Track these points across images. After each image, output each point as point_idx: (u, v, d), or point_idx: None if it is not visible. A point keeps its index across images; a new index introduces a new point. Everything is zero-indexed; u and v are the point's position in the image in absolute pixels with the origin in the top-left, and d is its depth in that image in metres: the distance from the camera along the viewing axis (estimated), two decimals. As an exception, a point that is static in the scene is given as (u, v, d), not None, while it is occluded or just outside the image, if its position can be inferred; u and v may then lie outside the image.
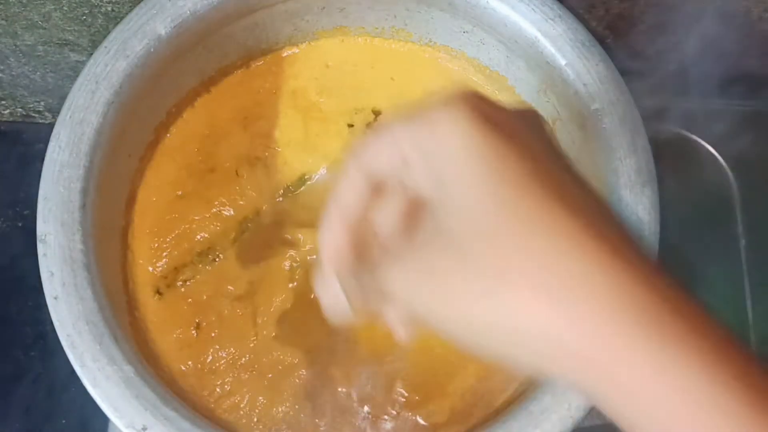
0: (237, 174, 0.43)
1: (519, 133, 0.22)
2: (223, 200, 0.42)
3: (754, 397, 0.19)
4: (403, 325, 0.25)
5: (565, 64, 0.39)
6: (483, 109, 0.22)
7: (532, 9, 0.39)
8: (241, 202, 0.42)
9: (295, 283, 0.41)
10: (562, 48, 0.39)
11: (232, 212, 0.42)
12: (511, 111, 0.23)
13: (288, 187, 0.43)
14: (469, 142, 0.21)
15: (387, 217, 0.25)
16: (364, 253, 0.25)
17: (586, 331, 0.20)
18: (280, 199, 0.42)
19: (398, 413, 0.39)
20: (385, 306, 0.25)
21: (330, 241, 0.25)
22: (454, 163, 0.21)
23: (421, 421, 0.39)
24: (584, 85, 0.38)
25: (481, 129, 0.21)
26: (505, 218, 0.21)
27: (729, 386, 0.19)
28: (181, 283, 0.40)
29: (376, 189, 0.24)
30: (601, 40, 0.39)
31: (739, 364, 0.19)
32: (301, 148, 0.43)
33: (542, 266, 0.20)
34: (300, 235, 0.41)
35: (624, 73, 0.39)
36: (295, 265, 0.41)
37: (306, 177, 0.43)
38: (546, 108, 0.43)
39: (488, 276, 0.21)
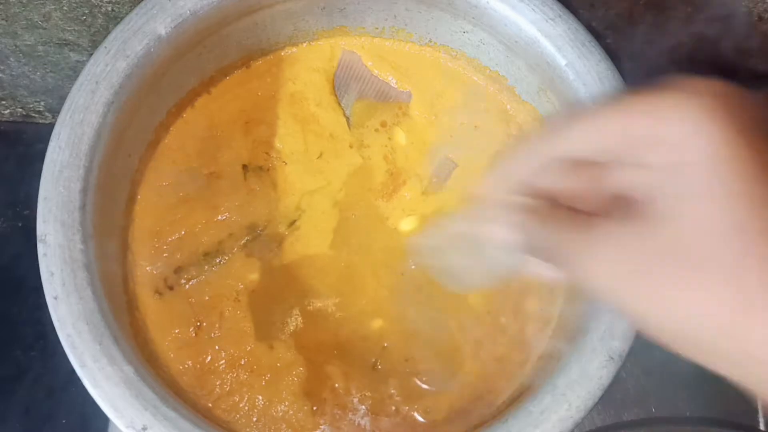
0: (245, 183, 0.43)
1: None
2: (230, 206, 0.42)
3: None
4: (552, 272, 0.25)
5: (565, 64, 0.39)
6: (728, 106, 0.21)
7: (532, 9, 0.39)
8: (250, 211, 0.42)
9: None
10: (562, 48, 0.39)
11: (239, 219, 0.42)
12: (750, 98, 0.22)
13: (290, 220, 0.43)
14: (719, 138, 0.20)
15: (589, 191, 0.24)
16: (548, 210, 0.25)
17: None
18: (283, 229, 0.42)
19: (397, 409, 0.39)
20: (550, 267, 0.25)
21: (513, 173, 0.25)
22: (692, 157, 0.21)
23: (420, 418, 0.39)
24: (584, 85, 0.38)
25: (730, 132, 0.20)
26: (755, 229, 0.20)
27: None
28: (184, 281, 0.40)
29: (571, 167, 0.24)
30: (601, 40, 0.39)
31: None
32: (303, 167, 0.43)
33: None
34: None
35: (624, 73, 0.39)
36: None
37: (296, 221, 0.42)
38: (546, 108, 0.43)
39: (719, 280, 0.20)
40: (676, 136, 0.21)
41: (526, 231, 0.25)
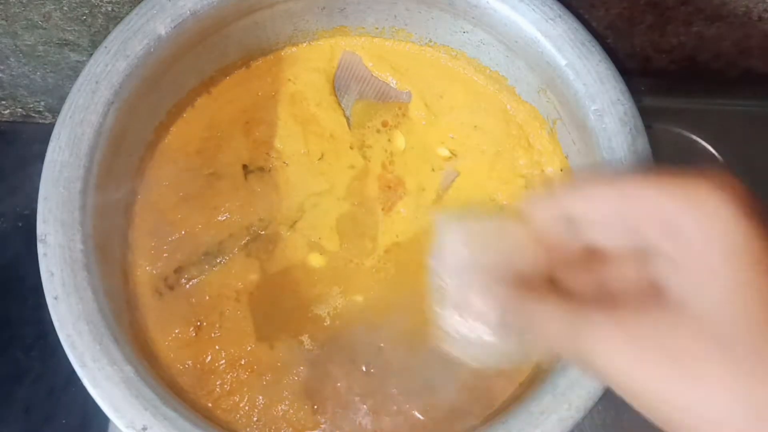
0: (245, 184, 0.42)
1: None
2: (231, 207, 0.42)
3: None
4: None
5: (565, 64, 0.39)
6: (746, 199, 0.22)
7: (532, 9, 0.39)
8: (250, 211, 0.42)
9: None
10: (562, 48, 0.39)
11: (239, 219, 0.42)
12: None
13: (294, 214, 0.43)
14: (734, 229, 0.21)
15: (612, 271, 0.25)
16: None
17: None
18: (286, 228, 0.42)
19: (398, 408, 0.39)
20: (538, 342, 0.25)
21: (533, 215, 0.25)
22: (710, 243, 0.21)
23: (420, 417, 0.39)
24: (584, 85, 0.38)
25: (747, 220, 0.21)
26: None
27: None
28: (185, 281, 0.40)
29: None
30: (601, 40, 0.39)
31: None
32: (304, 169, 0.43)
33: None
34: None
35: (624, 73, 0.39)
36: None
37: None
38: (546, 108, 0.43)
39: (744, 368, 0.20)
40: (701, 227, 0.22)
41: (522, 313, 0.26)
